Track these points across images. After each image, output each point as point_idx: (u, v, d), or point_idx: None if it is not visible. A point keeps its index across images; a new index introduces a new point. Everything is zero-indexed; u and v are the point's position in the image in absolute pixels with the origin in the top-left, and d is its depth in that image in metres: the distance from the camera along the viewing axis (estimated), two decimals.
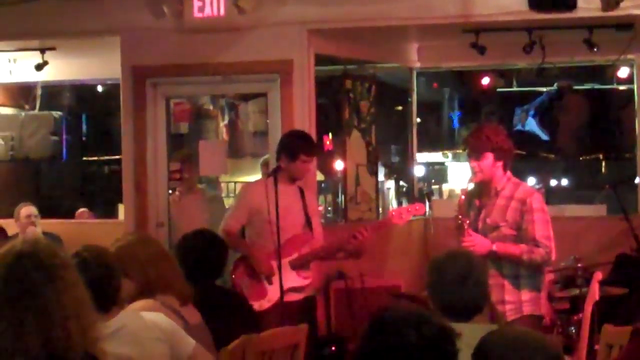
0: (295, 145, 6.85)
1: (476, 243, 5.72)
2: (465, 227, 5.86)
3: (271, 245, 6.77)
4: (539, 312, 6.00)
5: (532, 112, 12.10)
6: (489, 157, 5.88)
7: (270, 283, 6.75)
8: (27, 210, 9.04)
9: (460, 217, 5.92)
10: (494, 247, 5.77)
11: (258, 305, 6.46)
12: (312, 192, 7.44)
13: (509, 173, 5.98)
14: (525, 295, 5.88)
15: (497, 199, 5.90)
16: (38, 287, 2.96)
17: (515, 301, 5.86)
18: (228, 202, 9.52)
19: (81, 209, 11.24)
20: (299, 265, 6.78)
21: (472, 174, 6.01)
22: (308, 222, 6.93)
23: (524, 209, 5.82)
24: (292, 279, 6.70)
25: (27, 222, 9.02)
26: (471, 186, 6.11)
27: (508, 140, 6.00)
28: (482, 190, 6.01)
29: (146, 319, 4.00)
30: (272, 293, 6.68)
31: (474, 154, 5.93)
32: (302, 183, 7.09)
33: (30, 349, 2.92)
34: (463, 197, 6.03)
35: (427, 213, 9.50)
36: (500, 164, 5.91)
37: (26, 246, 3.05)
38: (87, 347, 3.07)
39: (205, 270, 5.19)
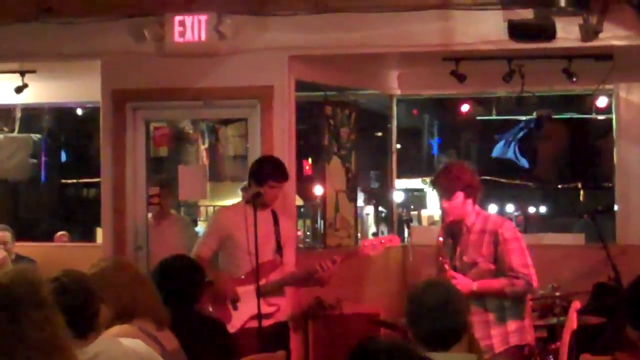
0: (264, 172, 6.85)
1: (459, 284, 5.69)
2: (447, 268, 5.87)
3: (242, 271, 6.75)
4: (525, 341, 6.02)
5: (511, 140, 12.15)
6: (460, 196, 5.92)
7: (235, 309, 6.70)
8: (2, 236, 8.96)
9: (441, 258, 5.93)
10: (475, 287, 5.78)
11: None
12: (288, 218, 7.42)
13: (477, 207, 6.01)
14: (511, 325, 5.89)
15: (470, 235, 5.93)
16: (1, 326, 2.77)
17: (502, 333, 5.88)
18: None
19: (60, 232, 11.20)
20: (266, 292, 6.70)
21: (444, 214, 6.05)
22: (279, 248, 6.90)
23: (497, 241, 5.83)
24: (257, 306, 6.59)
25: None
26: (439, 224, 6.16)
27: (475, 176, 6.08)
28: (454, 229, 6.03)
29: (124, 345, 3.98)
30: (237, 319, 6.64)
31: (445, 194, 5.97)
32: (277, 208, 7.07)
33: None
34: (441, 238, 6.03)
35: (405, 240, 9.51)
36: (470, 201, 5.95)
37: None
38: None
39: (182, 296, 5.17)
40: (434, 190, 6.20)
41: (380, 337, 2.90)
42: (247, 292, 6.68)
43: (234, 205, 7.33)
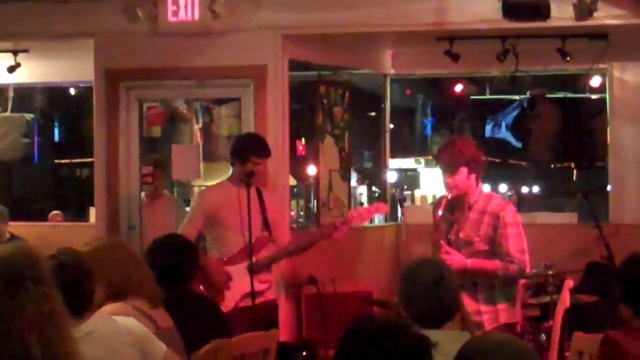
0: (245, 148, 6.84)
1: (452, 260, 5.68)
2: (442, 243, 5.85)
3: (230, 250, 6.75)
4: (515, 319, 6.02)
5: (504, 120, 12.15)
6: (463, 171, 5.85)
7: (227, 289, 6.70)
8: None
9: (437, 234, 5.91)
10: (469, 263, 5.77)
11: None
12: (276, 195, 7.40)
13: (480, 185, 5.98)
14: (501, 305, 5.89)
15: (470, 212, 5.88)
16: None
17: (492, 311, 5.87)
18: None
19: (54, 212, 11.20)
20: (258, 269, 6.69)
21: (447, 189, 5.97)
22: (266, 225, 6.88)
23: (497, 224, 5.79)
24: (249, 284, 6.59)
25: None
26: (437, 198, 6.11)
27: (480, 151, 5.98)
28: (455, 204, 5.99)
29: (118, 323, 3.99)
30: (229, 299, 6.63)
31: (449, 169, 5.89)
32: (268, 186, 7.06)
33: None
34: (440, 212, 5.98)
35: (399, 219, 9.52)
36: (473, 176, 5.90)
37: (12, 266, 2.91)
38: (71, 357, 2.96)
39: (175, 274, 5.17)
40: (438, 165, 6.13)
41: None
42: (237, 271, 6.68)
43: (218, 184, 7.30)
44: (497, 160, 13.93)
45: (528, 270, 5.93)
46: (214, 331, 4.87)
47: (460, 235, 5.89)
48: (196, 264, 5.45)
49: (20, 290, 2.87)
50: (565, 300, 6.82)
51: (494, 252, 5.81)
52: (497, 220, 5.79)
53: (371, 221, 9.41)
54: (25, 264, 2.94)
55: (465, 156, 5.84)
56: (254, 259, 6.60)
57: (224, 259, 6.77)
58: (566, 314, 6.79)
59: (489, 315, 5.86)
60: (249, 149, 6.81)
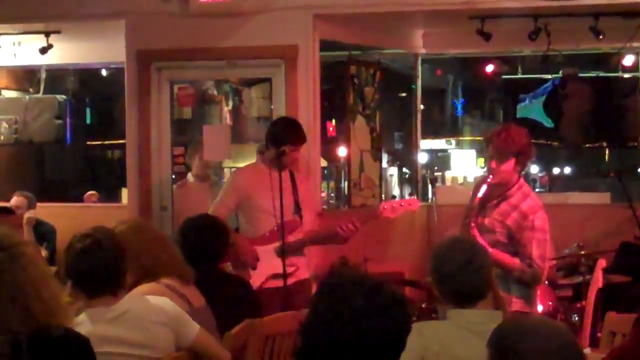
0: (281, 135, 6.82)
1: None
2: (473, 226, 5.78)
3: (261, 232, 6.76)
4: (529, 309, 5.93)
5: (536, 100, 12.08)
6: (512, 161, 5.75)
7: (254, 268, 6.71)
8: (17, 201, 9.02)
9: (468, 218, 5.84)
10: (490, 251, 5.70)
11: None
12: (306, 179, 7.38)
13: (521, 180, 5.86)
14: (515, 299, 5.78)
15: (503, 203, 5.79)
16: (4, 265, 3.10)
17: (506, 297, 5.80)
18: None
19: (89, 192, 11.26)
20: (286, 252, 6.68)
21: (489, 174, 5.86)
22: (297, 209, 6.89)
23: (524, 224, 5.69)
24: (276, 266, 6.60)
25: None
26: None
27: (531, 145, 5.86)
28: (493, 190, 5.88)
29: (151, 302, 4.01)
30: (255, 279, 6.64)
31: (498, 156, 5.79)
32: (298, 169, 7.05)
33: (12, 326, 3.03)
34: (479, 196, 5.87)
35: (430, 200, 9.50)
36: (519, 168, 5.80)
37: None
38: (64, 315, 3.22)
39: (206, 254, 5.18)
40: (487, 148, 6.01)
41: (347, 269, 2.86)
42: (265, 252, 6.69)
43: (251, 165, 7.30)
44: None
45: (543, 279, 5.84)
46: (245, 311, 4.88)
47: (486, 221, 5.81)
48: (227, 243, 5.47)
49: (20, 256, 3.15)
50: (597, 280, 6.80)
51: (513, 248, 5.72)
52: (525, 220, 5.66)
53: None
54: (11, 234, 3.25)
55: (518, 146, 5.73)
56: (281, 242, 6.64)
57: (254, 239, 6.78)
58: (599, 294, 6.76)
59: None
60: (284, 136, 6.79)
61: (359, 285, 2.74)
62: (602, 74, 10.93)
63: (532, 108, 11.34)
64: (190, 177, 8.95)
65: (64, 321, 3.21)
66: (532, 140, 5.85)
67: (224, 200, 6.94)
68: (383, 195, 9.95)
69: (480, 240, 5.62)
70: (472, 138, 27.20)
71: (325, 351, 2.70)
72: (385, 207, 6.97)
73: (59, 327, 3.15)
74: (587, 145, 13.06)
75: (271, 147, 6.81)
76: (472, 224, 5.78)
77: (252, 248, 6.70)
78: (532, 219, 5.64)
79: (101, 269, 3.82)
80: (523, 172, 5.90)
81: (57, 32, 8.86)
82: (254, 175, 6.85)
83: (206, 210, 6.86)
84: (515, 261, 5.66)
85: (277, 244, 6.61)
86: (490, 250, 5.62)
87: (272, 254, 6.59)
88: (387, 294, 2.75)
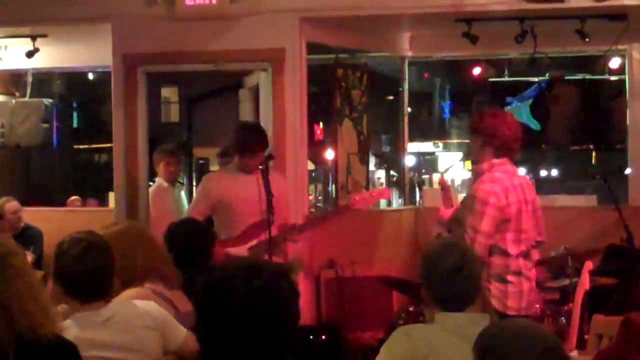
0: (243, 141, 6.90)
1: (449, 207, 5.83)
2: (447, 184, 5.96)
3: (235, 233, 6.77)
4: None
5: (523, 102, 12.11)
6: (477, 140, 5.77)
7: None
8: (12, 206, 9.02)
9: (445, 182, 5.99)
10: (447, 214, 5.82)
11: None
12: (278, 174, 7.32)
13: (496, 160, 5.81)
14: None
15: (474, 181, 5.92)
16: None
17: None
18: None
19: (72, 197, 11.24)
20: (259, 252, 6.67)
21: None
22: (269, 207, 6.88)
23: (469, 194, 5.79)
24: None
25: (14, 218, 9.01)
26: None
27: (506, 129, 5.84)
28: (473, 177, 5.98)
29: (138, 307, 4.00)
30: None
31: (469, 135, 5.96)
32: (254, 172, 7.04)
33: None
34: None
35: (417, 203, 9.51)
36: (489, 151, 5.77)
37: None
38: (51, 326, 3.21)
39: (192, 258, 5.19)
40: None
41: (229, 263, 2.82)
42: (239, 253, 6.71)
43: (223, 170, 7.32)
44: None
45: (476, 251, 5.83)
46: None
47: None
48: (212, 246, 5.48)
49: (7, 267, 3.19)
50: (584, 282, 6.80)
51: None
52: (470, 197, 5.71)
53: (389, 204, 9.41)
54: (7, 244, 3.30)
55: (484, 124, 5.74)
56: (254, 242, 6.73)
57: (226, 241, 6.80)
58: (586, 297, 6.77)
59: None
60: (245, 143, 6.85)
61: (236, 273, 2.70)
62: (588, 77, 10.94)
63: (519, 111, 11.36)
64: (162, 181, 8.97)
65: (51, 331, 3.21)
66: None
67: (197, 206, 6.96)
68: None
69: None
70: (459, 141, 27.33)
71: (224, 348, 2.68)
72: (357, 199, 7.00)
73: (46, 334, 3.16)
74: (573, 148, 13.09)
75: (236, 153, 6.88)
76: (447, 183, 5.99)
77: (223, 251, 6.70)
78: (474, 189, 5.64)
79: (96, 273, 3.81)
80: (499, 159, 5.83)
81: (44, 35, 8.86)
82: (225, 179, 6.91)
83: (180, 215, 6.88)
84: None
85: (251, 244, 6.71)
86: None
87: (246, 254, 6.61)
88: (265, 271, 2.72)
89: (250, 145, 6.83)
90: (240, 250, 6.69)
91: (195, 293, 2.81)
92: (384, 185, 12.74)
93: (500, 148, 5.75)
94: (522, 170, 15.02)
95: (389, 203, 18.29)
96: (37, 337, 3.13)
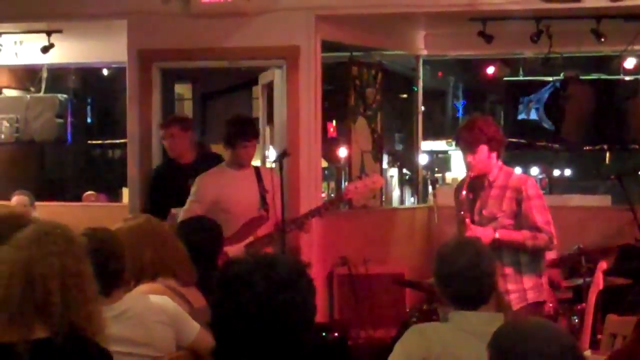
0: (232, 133, 6.88)
1: (479, 235, 5.64)
2: (468, 222, 5.83)
3: (229, 233, 6.79)
4: (542, 298, 6.00)
5: (537, 102, 12.09)
6: (484, 149, 5.84)
7: None
8: (19, 199, 9.04)
9: (462, 212, 5.90)
10: (497, 235, 5.74)
11: None
12: (271, 170, 7.28)
13: (500, 162, 5.95)
14: (528, 282, 5.86)
15: (491, 189, 5.87)
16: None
17: (519, 289, 5.85)
18: None
19: (88, 192, 11.26)
20: (256, 248, 6.68)
21: (468, 169, 5.98)
22: (263, 203, 6.86)
23: (520, 197, 5.78)
24: None
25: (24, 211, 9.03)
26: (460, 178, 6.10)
27: (499, 130, 5.96)
28: (477, 183, 5.97)
29: (152, 301, 4.01)
30: None
31: (469, 148, 5.89)
32: (247, 165, 7.02)
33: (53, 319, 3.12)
34: (464, 192, 5.97)
35: (430, 201, 9.49)
36: (494, 154, 5.88)
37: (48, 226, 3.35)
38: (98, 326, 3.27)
39: (204, 255, 5.19)
40: (457, 146, 6.14)
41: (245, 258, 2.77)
42: (236, 251, 6.70)
43: (215, 169, 7.30)
44: (529, 143, 13.83)
45: (556, 241, 5.88)
46: None
47: (484, 212, 5.86)
48: (221, 243, 5.49)
49: (48, 242, 3.22)
50: (598, 282, 6.78)
51: (519, 226, 5.79)
52: (519, 194, 5.77)
53: (402, 202, 9.40)
54: (60, 225, 3.37)
55: (486, 134, 5.82)
56: (251, 239, 6.72)
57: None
58: (599, 297, 6.75)
59: (517, 294, 5.84)
60: (236, 133, 6.85)
61: (256, 268, 2.67)
62: (603, 77, 10.91)
63: (533, 110, 11.34)
64: None
65: (97, 330, 3.29)
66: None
67: (191, 207, 6.92)
68: (384, 196, 9.94)
69: (483, 230, 5.68)
70: None
71: (241, 343, 2.66)
72: (350, 188, 7.00)
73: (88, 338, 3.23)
74: (587, 148, 13.06)
75: (226, 147, 6.89)
76: (467, 218, 5.83)
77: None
78: (524, 189, 5.75)
79: (101, 268, 3.82)
80: (500, 159, 5.94)
81: (59, 31, 8.86)
82: (217, 178, 6.90)
83: None
84: (524, 232, 5.73)
85: (245, 242, 6.71)
86: (497, 233, 5.68)
87: (243, 252, 6.61)
88: (283, 267, 2.69)
89: (241, 135, 6.82)
90: (237, 249, 6.68)
91: (210, 289, 2.79)
92: (396, 184, 12.72)
93: (500, 148, 5.87)
94: (535, 170, 15.03)
95: (402, 201, 18.30)
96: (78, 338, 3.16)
